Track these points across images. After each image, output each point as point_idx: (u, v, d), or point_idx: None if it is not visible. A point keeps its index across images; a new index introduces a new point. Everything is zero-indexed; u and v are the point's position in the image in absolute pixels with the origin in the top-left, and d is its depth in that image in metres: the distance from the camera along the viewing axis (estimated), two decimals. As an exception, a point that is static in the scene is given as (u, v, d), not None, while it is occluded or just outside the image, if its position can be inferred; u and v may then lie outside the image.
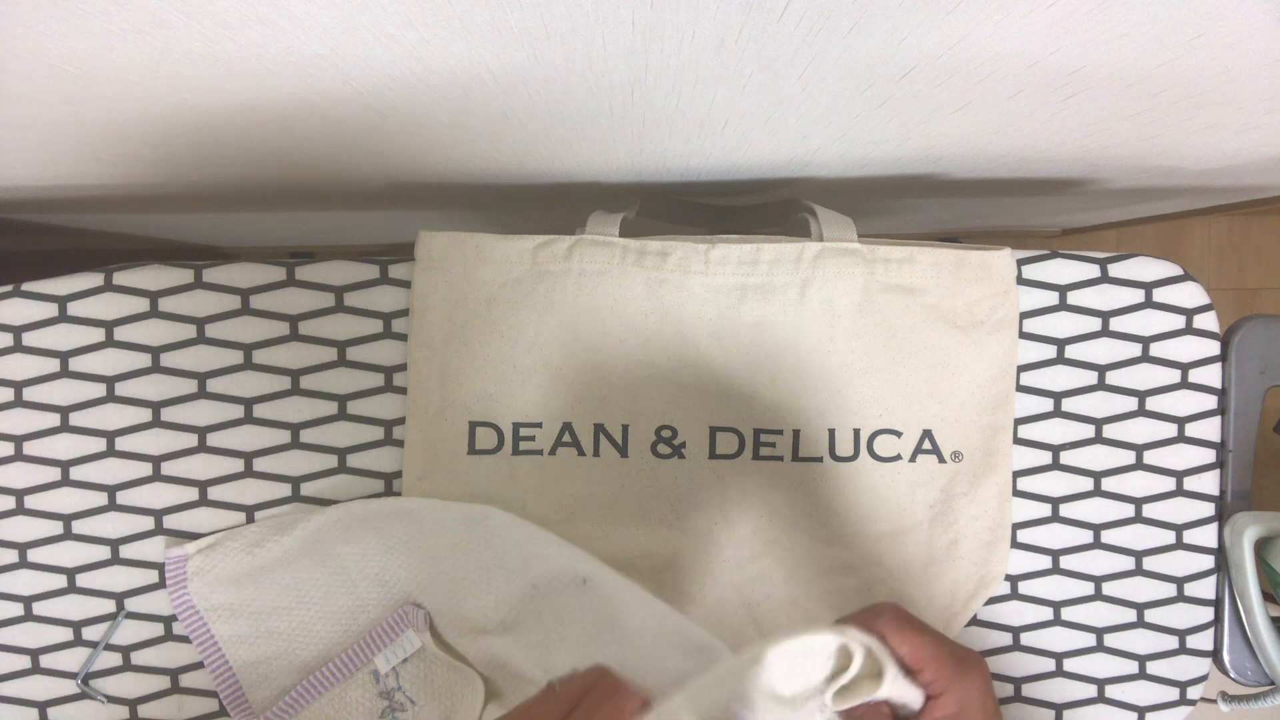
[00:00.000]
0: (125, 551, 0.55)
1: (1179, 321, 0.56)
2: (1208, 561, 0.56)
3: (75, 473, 0.55)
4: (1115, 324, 0.56)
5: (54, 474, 0.55)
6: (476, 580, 0.52)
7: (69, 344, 0.55)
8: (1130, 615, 0.56)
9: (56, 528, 0.55)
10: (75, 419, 0.55)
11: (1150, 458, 0.56)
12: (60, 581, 0.55)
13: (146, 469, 0.55)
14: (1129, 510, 0.56)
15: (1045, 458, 0.56)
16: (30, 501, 0.55)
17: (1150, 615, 0.56)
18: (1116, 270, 0.56)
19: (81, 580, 0.55)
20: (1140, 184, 0.73)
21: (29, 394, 0.54)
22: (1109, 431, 0.56)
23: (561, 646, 0.51)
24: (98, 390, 0.55)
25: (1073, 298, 0.56)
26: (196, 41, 0.32)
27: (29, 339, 0.54)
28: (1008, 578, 0.56)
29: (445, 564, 0.53)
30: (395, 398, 0.55)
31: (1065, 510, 0.56)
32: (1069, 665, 0.57)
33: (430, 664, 0.52)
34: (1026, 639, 0.57)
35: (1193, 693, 0.57)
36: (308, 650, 0.54)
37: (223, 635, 0.53)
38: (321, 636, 0.54)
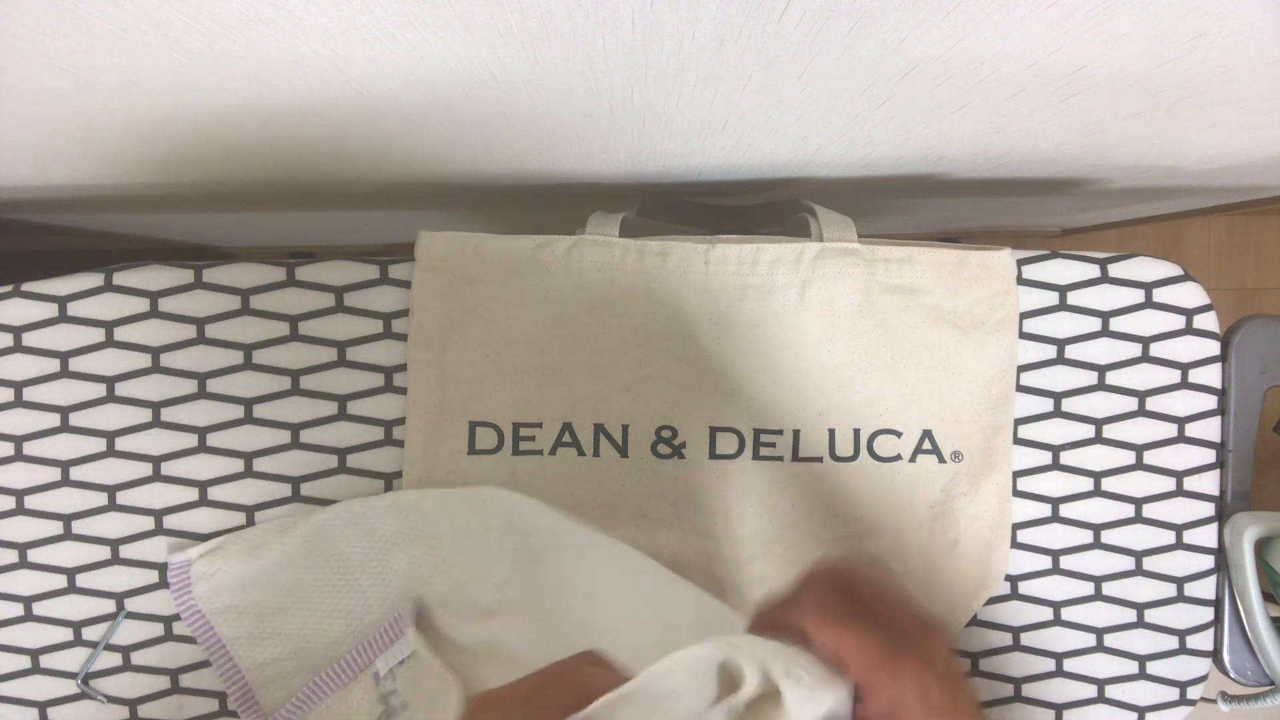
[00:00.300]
0: (125, 551, 0.55)
1: (1179, 321, 0.56)
2: (1208, 561, 0.56)
3: (75, 473, 0.55)
4: (1115, 324, 0.56)
5: (54, 474, 0.54)
6: (479, 563, 0.52)
7: (69, 344, 0.55)
8: (1130, 615, 0.56)
9: (56, 528, 0.55)
10: (75, 419, 0.55)
11: (1150, 458, 0.56)
12: (60, 581, 0.55)
13: (146, 469, 0.55)
14: (1129, 510, 0.56)
15: (1045, 458, 0.56)
16: (30, 501, 0.55)
17: (1150, 615, 0.56)
18: (1116, 270, 0.56)
19: (81, 580, 0.55)
20: (1140, 184, 0.73)
21: (29, 394, 0.54)
22: (1109, 431, 0.56)
23: (544, 624, 0.51)
24: (98, 390, 0.55)
25: (1073, 298, 0.56)
26: (196, 41, 0.32)
27: (29, 339, 0.54)
28: (1008, 578, 0.56)
29: (446, 550, 0.52)
30: (395, 398, 0.55)
31: (1065, 510, 0.56)
32: (1069, 665, 0.57)
33: (422, 667, 0.52)
34: (1026, 639, 0.57)
35: (1193, 693, 0.57)
36: (315, 650, 0.54)
37: (229, 637, 0.53)
38: (328, 636, 0.53)
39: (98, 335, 0.55)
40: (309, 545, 0.53)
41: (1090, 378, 0.56)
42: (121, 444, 0.55)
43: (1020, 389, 0.56)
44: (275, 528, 0.53)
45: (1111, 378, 0.56)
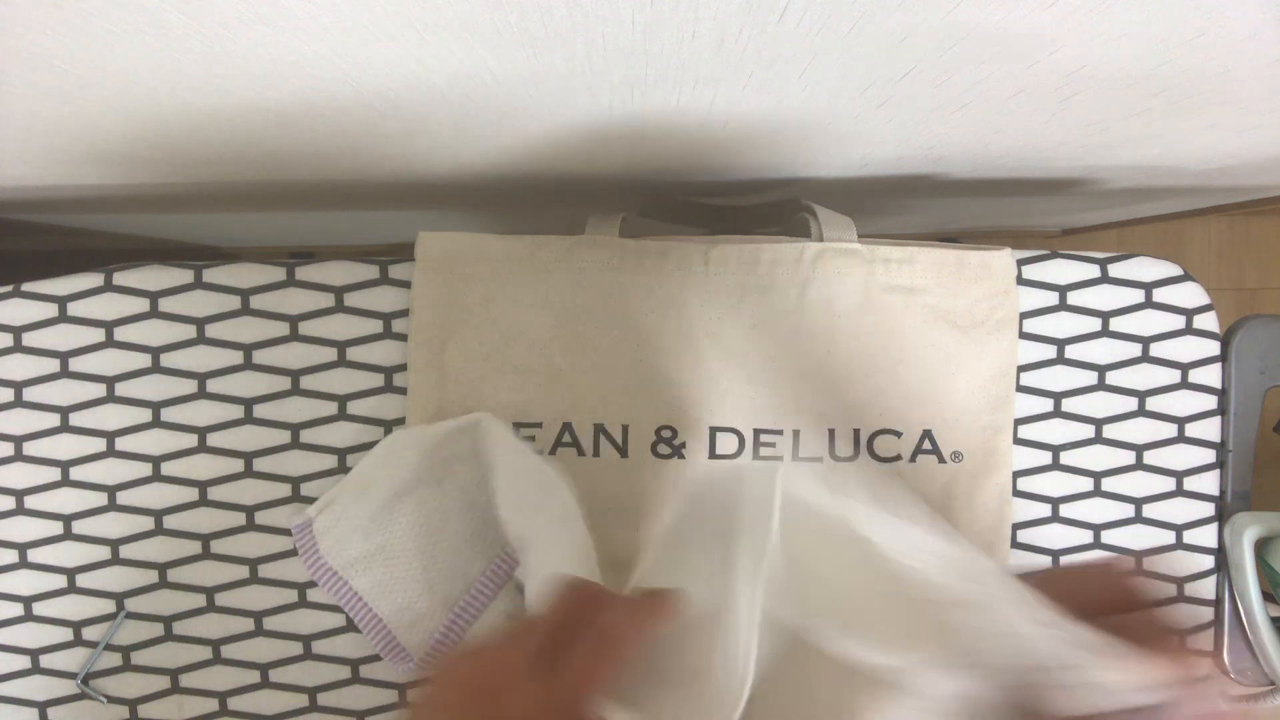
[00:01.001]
0: (125, 551, 0.55)
1: (1179, 321, 0.56)
2: (1208, 561, 0.56)
3: (75, 473, 0.55)
4: (1115, 324, 0.56)
5: (54, 474, 0.55)
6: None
7: (69, 344, 0.55)
8: (1130, 615, 0.56)
9: (56, 528, 0.55)
10: (75, 419, 0.55)
11: (1150, 458, 0.56)
12: (60, 581, 0.55)
13: (146, 469, 0.55)
14: (1129, 510, 0.56)
15: (1045, 458, 0.56)
16: (30, 501, 0.55)
17: (1150, 615, 0.56)
18: (1116, 270, 0.56)
19: (81, 580, 0.55)
20: (1140, 184, 0.73)
21: (29, 394, 0.54)
22: (1109, 431, 0.56)
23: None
24: (98, 390, 0.55)
25: (1073, 298, 0.56)
26: (196, 41, 0.32)
27: (29, 339, 0.54)
28: (1008, 578, 0.56)
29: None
30: (395, 398, 0.55)
31: (1065, 510, 0.56)
32: (1069, 665, 0.56)
33: None
34: (1026, 639, 0.56)
35: (1193, 693, 0.57)
36: (448, 584, 0.52)
37: (364, 588, 0.52)
38: (457, 568, 0.52)
39: (98, 335, 0.55)
40: (420, 472, 0.51)
41: (1090, 378, 0.56)
42: (121, 444, 0.55)
43: (1020, 389, 0.56)
44: (375, 460, 0.52)
45: (1111, 378, 0.56)
